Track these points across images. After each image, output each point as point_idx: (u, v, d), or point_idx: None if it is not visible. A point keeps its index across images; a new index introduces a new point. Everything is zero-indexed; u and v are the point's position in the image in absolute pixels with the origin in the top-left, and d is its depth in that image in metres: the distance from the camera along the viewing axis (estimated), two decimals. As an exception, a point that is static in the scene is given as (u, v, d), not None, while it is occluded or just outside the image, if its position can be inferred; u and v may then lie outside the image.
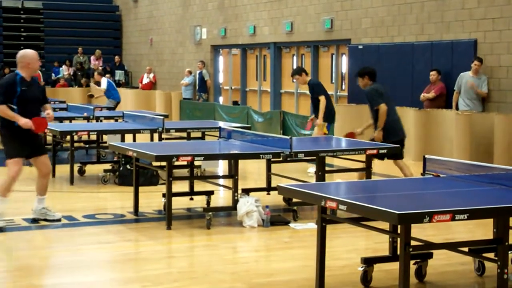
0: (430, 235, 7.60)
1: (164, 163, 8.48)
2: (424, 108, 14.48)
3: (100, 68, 26.51)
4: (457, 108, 13.77)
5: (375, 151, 9.08)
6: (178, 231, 8.24)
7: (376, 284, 6.19)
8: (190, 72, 23.62)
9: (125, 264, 7.04)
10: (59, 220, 8.63)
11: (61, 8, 29.61)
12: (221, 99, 23.44)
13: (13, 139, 8.32)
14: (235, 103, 22.26)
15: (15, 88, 8.25)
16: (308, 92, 12.30)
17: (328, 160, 9.72)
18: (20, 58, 8.43)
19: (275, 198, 9.67)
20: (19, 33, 28.84)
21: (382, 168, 11.73)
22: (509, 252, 5.68)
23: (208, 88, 23.19)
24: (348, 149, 9.32)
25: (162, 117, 12.12)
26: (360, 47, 16.96)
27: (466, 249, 6.04)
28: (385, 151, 9.20)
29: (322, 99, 12.25)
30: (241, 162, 8.93)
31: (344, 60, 18.14)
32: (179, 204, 9.31)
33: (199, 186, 9.81)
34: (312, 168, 11.48)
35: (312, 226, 8.32)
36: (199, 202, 9.58)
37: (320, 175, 8.82)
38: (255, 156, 8.68)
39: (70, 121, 14.85)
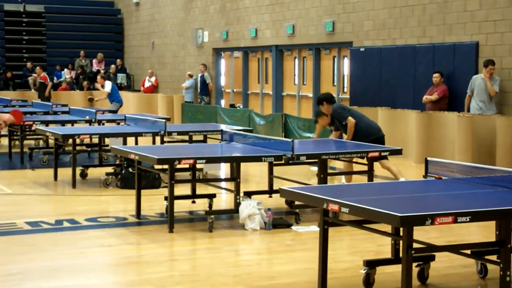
0: (432, 237, 7.60)
1: (166, 166, 8.49)
2: (426, 111, 14.48)
3: (102, 71, 26.52)
4: (468, 110, 13.73)
5: (377, 154, 9.09)
6: (180, 234, 8.23)
7: (378, 286, 6.18)
8: (190, 76, 23.63)
9: (127, 267, 7.04)
10: None
11: (63, 11, 29.65)
12: (223, 102, 23.45)
13: None
14: (232, 106, 22.30)
15: None
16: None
17: (331, 162, 9.72)
18: None
19: (277, 201, 9.67)
20: (21, 37, 28.86)
21: (384, 171, 11.72)
22: (512, 254, 5.68)
23: (210, 91, 23.20)
24: (350, 151, 9.32)
25: (164, 120, 12.12)
26: (362, 49, 16.96)
27: (468, 251, 6.04)
28: (387, 153, 9.21)
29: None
30: (243, 165, 8.94)
31: (346, 62, 18.14)
32: (181, 207, 9.32)
33: (201, 189, 9.81)
34: (314, 167, 11.49)
35: (314, 228, 8.31)
36: (201, 205, 9.59)
37: (322, 178, 8.82)
38: (257, 159, 8.68)
39: (72, 125, 14.86)
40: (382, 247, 7.33)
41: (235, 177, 8.71)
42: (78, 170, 11.79)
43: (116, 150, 9.62)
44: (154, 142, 12.90)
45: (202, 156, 8.54)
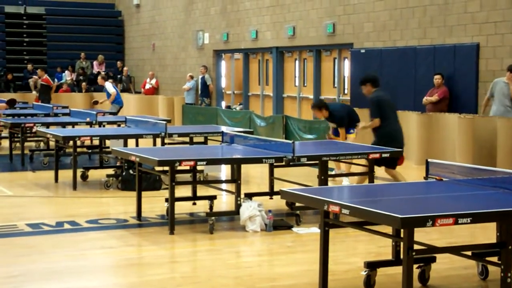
0: (433, 239, 7.60)
1: (167, 168, 8.49)
2: (427, 112, 14.48)
3: (103, 72, 26.53)
4: (482, 114, 13.59)
5: (377, 155, 9.09)
6: (181, 235, 8.24)
7: (379, 288, 6.19)
8: (191, 77, 23.64)
9: (128, 269, 7.04)
10: None
11: (63, 13, 29.66)
12: (223, 104, 23.45)
13: None
14: (228, 107, 22.30)
15: None
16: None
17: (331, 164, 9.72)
18: None
19: (278, 203, 9.67)
20: (22, 39, 28.88)
21: (385, 172, 11.72)
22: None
23: (210, 92, 23.21)
24: (351, 153, 9.32)
25: (164, 122, 12.13)
26: (363, 51, 16.96)
27: (469, 253, 6.04)
28: (387, 155, 9.20)
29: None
30: (243, 167, 8.94)
31: (347, 64, 18.15)
32: (182, 208, 9.32)
33: (202, 190, 9.80)
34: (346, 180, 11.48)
35: (315, 230, 8.31)
36: (202, 206, 9.59)
37: (323, 179, 8.82)
38: (258, 160, 8.68)
39: (73, 126, 14.88)
40: (383, 248, 7.33)
41: (235, 178, 8.71)
42: (79, 172, 11.80)
43: (116, 152, 9.62)
44: (154, 144, 12.89)
45: (203, 158, 8.54)
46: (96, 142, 13.73)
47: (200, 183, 10.00)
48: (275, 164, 9.18)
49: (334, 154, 9.31)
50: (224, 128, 12.43)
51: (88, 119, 14.25)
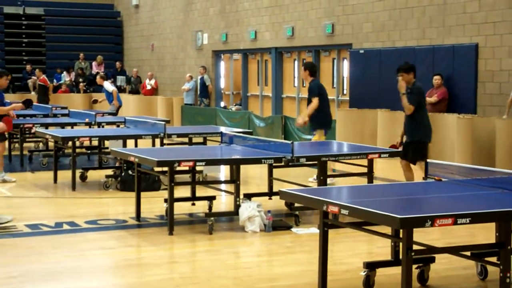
0: (432, 239, 7.60)
1: (166, 169, 8.48)
2: (426, 112, 14.46)
3: (102, 73, 26.50)
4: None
5: (376, 155, 9.10)
6: (180, 236, 8.23)
7: (378, 288, 6.19)
8: (191, 77, 23.65)
9: (127, 269, 7.04)
10: (11, 221, 8.49)
11: (62, 14, 29.64)
12: (222, 104, 23.45)
13: None
14: (224, 108, 22.31)
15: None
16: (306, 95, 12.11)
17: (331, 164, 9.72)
18: None
19: (277, 203, 9.67)
20: (20, 40, 28.86)
21: (384, 172, 11.73)
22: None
23: (209, 93, 23.21)
24: (350, 153, 9.32)
25: (163, 123, 12.13)
26: (362, 51, 16.96)
27: (468, 253, 6.04)
28: (386, 155, 9.21)
29: (315, 101, 11.78)
30: (242, 167, 8.94)
31: (346, 64, 18.15)
32: (181, 209, 9.32)
33: (201, 191, 9.81)
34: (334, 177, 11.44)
35: (314, 230, 8.31)
36: (201, 207, 9.59)
37: (322, 180, 8.82)
38: (257, 161, 8.67)
39: (72, 127, 14.87)
40: (382, 249, 7.33)
41: (235, 179, 8.71)
42: (78, 172, 11.80)
43: (115, 153, 9.62)
44: (153, 145, 12.90)
45: (202, 158, 8.54)
46: (95, 142, 13.72)
47: (199, 183, 10.01)
48: (274, 164, 9.18)
49: (333, 155, 9.31)
50: (223, 129, 12.43)
51: (87, 120, 14.25)
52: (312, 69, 11.94)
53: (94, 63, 28.23)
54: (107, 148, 12.95)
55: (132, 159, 8.80)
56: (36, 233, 8.46)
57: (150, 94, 25.76)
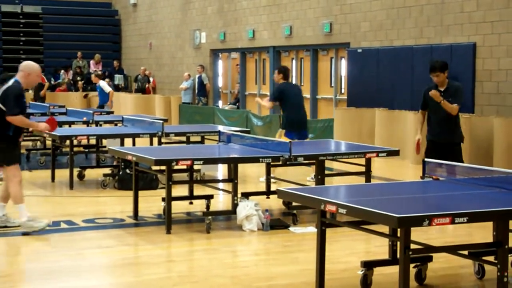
0: (430, 238, 7.61)
1: (163, 167, 8.48)
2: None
3: (100, 72, 26.49)
4: None
5: (374, 154, 9.10)
6: (177, 235, 8.23)
7: (376, 287, 6.18)
8: (189, 76, 23.64)
9: (125, 268, 7.04)
10: (19, 226, 8.45)
11: (60, 12, 29.64)
12: (220, 103, 23.45)
13: (13, 146, 8.34)
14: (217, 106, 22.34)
15: (23, 98, 8.40)
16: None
17: (328, 163, 9.72)
18: (24, 67, 8.58)
19: (275, 202, 9.67)
20: (18, 38, 28.85)
21: (382, 171, 11.74)
22: (509, 255, 5.67)
23: (207, 92, 23.20)
24: (348, 152, 9.32)
25: (161, 121, 12.12)
26: (359, 50, 16.97)
27: (466, 252, 6.04)
28: (384, 154, 9.22)
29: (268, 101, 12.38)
30: (240, 166, 8.94)
31: (343, 63, 18.15)
32: (179, 208, 9.32)
33: (198, 190, 9.81)
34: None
35: (312, 229, 8.32)
36: (198, 206, 9.58)
37: (320, 179, 8.82)
38: (255, 160, 8.67)
39: (70, 126, 14.85)
40: (379, 248, 7.33)
41: (232, 178, 8.71)
42: (76, 171, 11.79)
43: (113, 151, 9.61)
44: (151, 143, 12.89)
45: (200, 157, 8.54)
46: (93, 141, 13.71)
47: (197, 182, 10.00)
48: (272, 163, 9.18)
49: (331, 154, 9.32)
50: (221, 128, 12.43)
51: (85, 118, 14.23)
52: (286, 73, 12.10)
53: (92, 62, 28.22)
54: (105, 146, 12.94)
55: (129, 157, 8.79)
56: (34, 232, 8.45)
57: (148, 93, 25.75)
